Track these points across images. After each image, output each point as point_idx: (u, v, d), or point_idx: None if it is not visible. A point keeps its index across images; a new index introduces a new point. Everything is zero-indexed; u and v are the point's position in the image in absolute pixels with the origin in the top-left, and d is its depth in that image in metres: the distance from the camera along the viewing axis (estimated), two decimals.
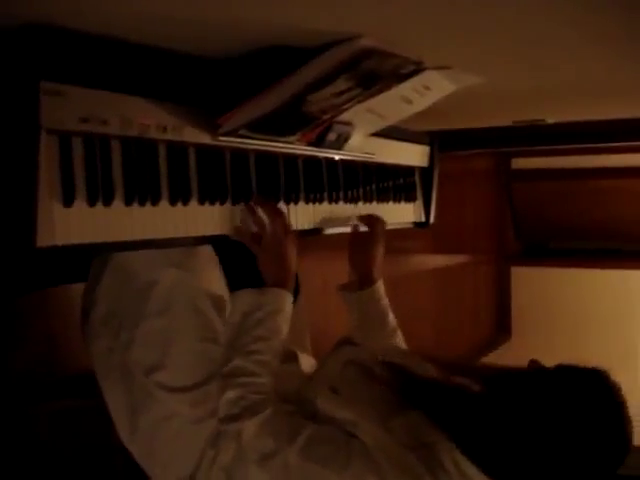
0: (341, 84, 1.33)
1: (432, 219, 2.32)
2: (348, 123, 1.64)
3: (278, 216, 1.50)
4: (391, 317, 1.80)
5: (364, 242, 1.84)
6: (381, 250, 1.85)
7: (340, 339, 1.56)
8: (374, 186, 2.01)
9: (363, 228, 1.85)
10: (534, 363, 1.28)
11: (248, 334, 1.39)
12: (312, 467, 1.23)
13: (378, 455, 1.21)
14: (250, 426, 1.28)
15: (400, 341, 1.79)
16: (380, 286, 1.81)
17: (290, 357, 1.56)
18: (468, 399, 1.29)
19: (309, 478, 1.24)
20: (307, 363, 1.60)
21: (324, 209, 1.78)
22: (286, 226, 1.51)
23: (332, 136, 1.63)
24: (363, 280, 1.81)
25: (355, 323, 1.81)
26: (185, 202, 1.37)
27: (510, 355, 5.34)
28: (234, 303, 1.45)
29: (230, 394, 1.32)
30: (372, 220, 1.87)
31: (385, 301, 1.81)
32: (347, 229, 1.84)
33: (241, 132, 1.40)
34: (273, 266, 1.48)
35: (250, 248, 1.49)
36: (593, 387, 1.20)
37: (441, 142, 2.32)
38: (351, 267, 1.84)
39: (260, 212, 1.50)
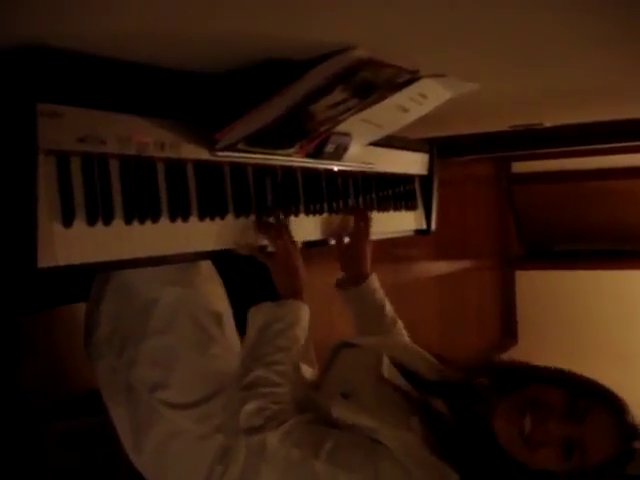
0: (337, 95, 1.34)
1: (433, 226, 2.32)
2: (346, 134, 1.64)
3: (285, 230, 1.54)
4: (388, 308, 1.81)
5: (351, 241, 1.83)
6: (369, 245, 1.84)
7: (337, 343, 1.56)
8: (374, 195, 2.01)
9: (347, 239, 1.84)
10: None
11: (269, 345, 1.40)
12: (342, 475, 1.23)
13: (404, 459, 1.21)
14: (274, 437, 1.28)
15: (400, 329, 1.80)
16: (373, 279, 1.82)
17: None
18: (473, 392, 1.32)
19: None
20: (308, 372, 1.60)
21: (325, 220, 1.78)
22: (292, 239, 1.54)
23: (330, 147, 1.63)
24: (356, 277, 1.81)
25: (354, 318, 1.82)
26: (185, 218, 1.37)
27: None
28: (253, 316, 1.45)
29: (251, 405, 1.32)
30: (360, 214, 1.86)
31: (380, 293, 1.81)
32: (347, 239, 1.84)
33: (239, 146, 1.40)
34: (287, 278, 1.50)
35: (263, 262, 1.51)
36: None
37: (440, 149, 2.32)
38: (342, 268, 1.84)
39: (270, 228, 1.53)
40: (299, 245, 1.58)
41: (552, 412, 1.22)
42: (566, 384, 1.27)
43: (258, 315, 1.45)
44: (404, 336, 1.79)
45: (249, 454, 1.40)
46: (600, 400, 1.24)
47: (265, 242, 1.53)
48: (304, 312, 1.47)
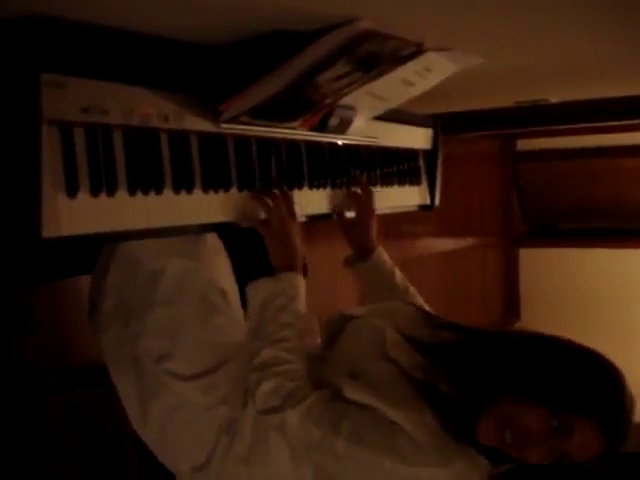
0: (341, 68, 1.33)
1: (437, 202, 2.32)
2: (350, 107, 1.64)
3: (282, 199, 1.52)
4: (399, 277, 1.80)
5: (357, 215, 1.84)
6: (374, 219, 1.84)
7: (337, 316, 1.54)
8: (378, 170, 2.01)
9: (350, 214, 1.84)
10: None
11: (272, 322, 1.41)
12: (363, 453, 1.24)
13: (419, 437, 1.22)
14: (293, 416, 1.29)
15: (414, 295, 1.79)
16: (381, 252, 1.82)
17: None
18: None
19: (361, 464, 1.25)
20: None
21: (328, 194, 1.78)
22: (291, 209, 1.53)
23: (334, 121, 1.63)
24: (363, 251, 1.82)
25: (366, 292, 1.83)
26: (189, 190, 1.37)
27: None
28: (251, 294, 1.46)
29: (267, 385, 1.33)
30: (362, 188, 1.86)
31: (389, 264, 1.82)
32: (352, 213, 1.84)
33: (242, 119, 1.40)
34: (282, 249, 1.49)
35: (260, 233, 1.50)
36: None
37: (444, 124, 2.32)
38: (349, 243, 1.85)
39: (265, 197, 1.51)
40: (301, 218, 1.58)
41: (531, 434, 1.19)
42: (543, 397, 1.21)
43: (256, 292, 1.45)
44: (419, 300, 1.77)
45: (259, 428, 1.41)
46: (582, 410, 1.19)
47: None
48: (301, 284, 1.47)
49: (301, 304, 1.45)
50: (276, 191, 1.53)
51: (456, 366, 1.33)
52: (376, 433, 1.25)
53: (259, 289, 1.45)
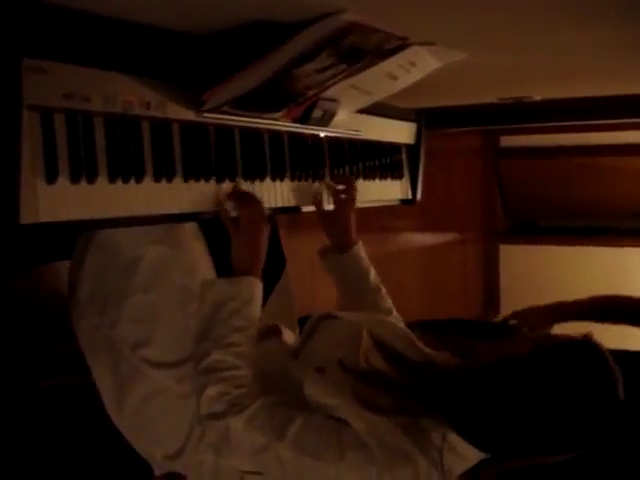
0: (325, 60, 1.33)
1: (418, 196, 2.33)
2: (333, 100, 1.64)
3: (256, 203, 1.50)
4: (373, 275, 1.80)
5: (336, 207, 1.82)
6: (353, 210, 1.83)
7: (321, 314, 1.54)
8: (360, 163, 2.01)
9: (329, 207, 1.83)
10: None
11: (224, 325, 1.36)
12: (306, 460, 1.22)
13: (369, 440, 1.20)
14: (237, 423, 1.26)
15: (384, 296, 1.80)
16: (359, 248, 1.81)
17: (272, 332, 1.56)
18: (454, 375, 1.30)
19: (304, 471, 1.23)
20: (291, 337, 1.60)
21: (310, 186, 1.77)
22: (263, 215, 1.50)
23: (318, 113, 1.63)
24: (342, 244, 1.80)
25: (337, 286, 1.82)
26: (169, 179, 1.37)
27: None
28: (204, 294, 1.41)
29: (212, 390, 1.29)
30: (346, 181, 1.86)
31: (366, 261, 1.81)
32: (331, 206, 1.83)
33: (225, 109, 1.39)
34: (246, 252, 1.45)
35: (228, 231, 1.47)
36: (580, 363, 1.22)
37: (428, 119, 2.33)
38: (327, 234, 1.83)
39: (242, 197, 1.50)
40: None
41: None
42: None
43: (210, 292, 1.40)
44: (388, 302, 1.79)
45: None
46: None
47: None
48: (258, 289, 1.43)
49: (256, 310, 1.41)
50: (253, 195, 1.52)
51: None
52: (323, 439, 1.23)
53: (214, 289, 1.40)
